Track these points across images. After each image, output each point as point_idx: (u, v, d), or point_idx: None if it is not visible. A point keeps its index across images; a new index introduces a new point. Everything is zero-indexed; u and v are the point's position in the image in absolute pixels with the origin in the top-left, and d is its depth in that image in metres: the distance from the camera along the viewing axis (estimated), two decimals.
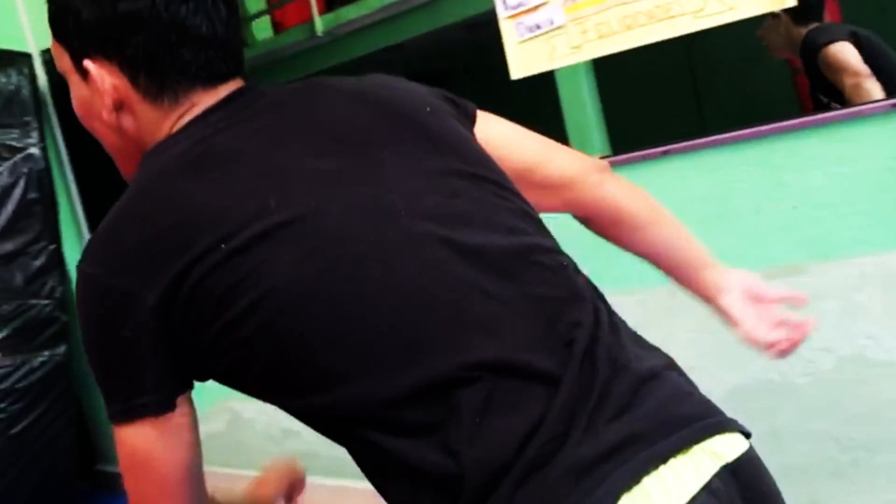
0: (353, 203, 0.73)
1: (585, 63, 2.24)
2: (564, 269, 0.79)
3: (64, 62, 0.84)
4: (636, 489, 0.65)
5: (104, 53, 0.79)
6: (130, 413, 0.73)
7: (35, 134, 3.02)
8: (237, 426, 3.00)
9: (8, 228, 2.90)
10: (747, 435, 0.75)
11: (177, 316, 0.70)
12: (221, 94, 0.81)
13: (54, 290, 3.01)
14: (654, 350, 0.80)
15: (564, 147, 1.01)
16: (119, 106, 0.81)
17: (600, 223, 1.01)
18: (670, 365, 0.78)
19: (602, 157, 2.03)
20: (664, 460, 0.67)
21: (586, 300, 0.76)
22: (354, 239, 0.71)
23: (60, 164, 3.21)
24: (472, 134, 0.87)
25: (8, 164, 2.92)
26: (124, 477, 0.77)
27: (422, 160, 0.78)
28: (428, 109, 0.83)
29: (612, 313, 0.79)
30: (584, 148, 2.28)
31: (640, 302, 2.01)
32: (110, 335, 0.73)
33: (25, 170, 2.96)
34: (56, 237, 3.04)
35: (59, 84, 3.25)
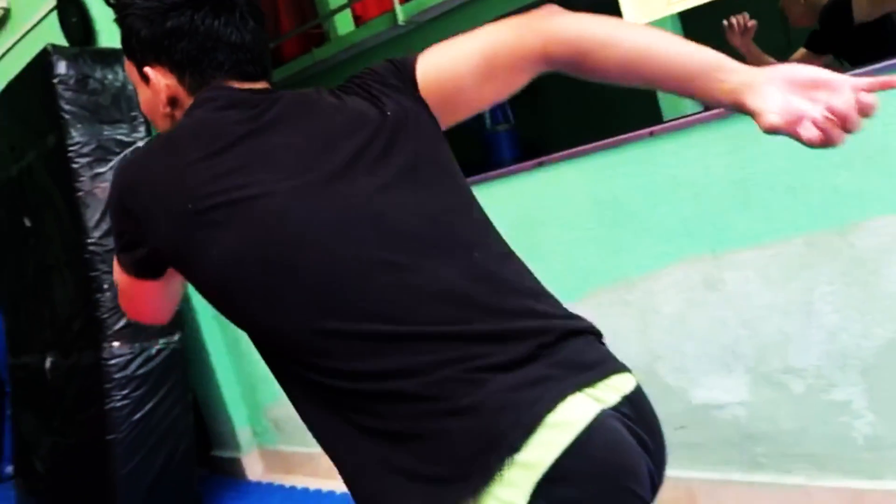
0: (302, 191, 0.91)
1: (672, 16, 2.17)
2: (482, 247, 0.95)
3: (133, 74, 1.07)
4: (558, 407, 0.82)
5: (158, 60, 1.02)
6: (124, 269, 1.06)
7: (142, 128, 3.10)
8: None
9: None
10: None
11: (151, 240, 0.95)
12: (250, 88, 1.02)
13: None
14: (572, 314, 0.99)
15: (500, 24, 1.00)
16: (172, 102, 1.04)
17: (576, 63, 0.96)
18: (588, 327, 0.98)
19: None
20: (579, 389, 0.85)
21: (506, 273, 0.95)
22: (293, 217, 0.90)
23: None
24: (415, 89, 1.01)
25: (118, 158, 3.02)
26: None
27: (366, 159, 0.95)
28: (388, 114, 0.98)
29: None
30: (679, 110, 2.20)
31: (774, 256, 1.89)
32: (117, 226, 1.01)
33: None
34: None
35: None
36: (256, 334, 0.94)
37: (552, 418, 0.81)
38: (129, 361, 2.95)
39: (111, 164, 3.00)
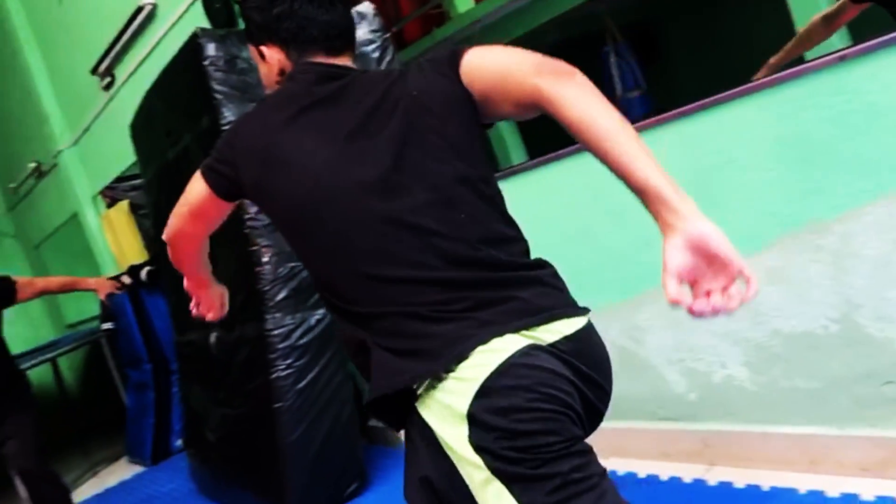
0: (334, 159, 1.18)
1: None
2: (472, 205, 1.17)
3: (254, 53, 1.37)
4: (492, 341, 1.06)
5: (270, 40, 1.32)
6: (203, 175, 1.33)
7: None
8: None
9: None
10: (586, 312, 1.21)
11: (240, 169, 1.26)
12: (336, 61, 1.30)
13: None
14: (540, 262, 1.23)
15: (533, 55, 1.13)
16: (281, 73, 1.32)
17: (563, 122, 1.09)
18: (551, 272, 1.22)
19: None
20: (516, 331, 1.08)
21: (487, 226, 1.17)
22: (323, 182, 1.17)
23: None
24: (459, 78, 1.18)
25: None
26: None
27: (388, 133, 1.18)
28: (414, 93, 1.19)
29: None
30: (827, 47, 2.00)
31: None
32: (217, 151, 1.32)
33: None
34: None
35: None
36: (308, 270, 1.28)
37: (483, 348, 1.06)
38: (291, 332, 3.01)
39: None
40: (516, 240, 1.23)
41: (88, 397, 7.06)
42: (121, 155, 4.92)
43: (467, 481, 1.06)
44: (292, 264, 3.06)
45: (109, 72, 4.80)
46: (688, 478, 2.34)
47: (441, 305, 1.09)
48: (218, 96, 3.04)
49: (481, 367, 1.04)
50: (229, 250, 3.21)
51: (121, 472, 4.92)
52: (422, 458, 1.13)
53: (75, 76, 5.22)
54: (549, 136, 2.68)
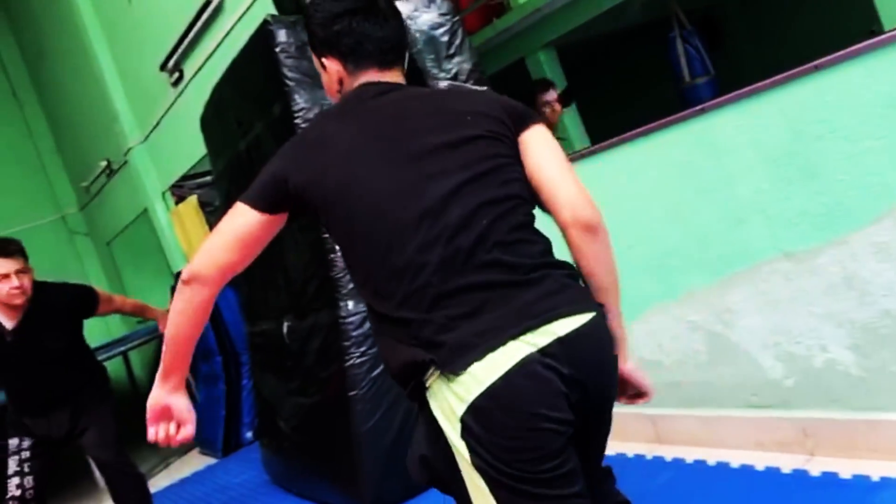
0: (376, 168, 1.30)
1: None
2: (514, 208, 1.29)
3: (317, 63, 1.49)
4: (486, 357, 1.17)
5: (330, 52, 1.44)
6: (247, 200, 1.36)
7: None
8: None
9: None
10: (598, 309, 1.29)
11: (298, 177, 1.33)
12: (387, 75, 1.43)
13: None
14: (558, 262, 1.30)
15: (572, 185, 1.35)
16: (340, 82, 1.45)
17: (577, 264, 1.35)
18: (555, 274, 1.27)
19: None
20: (513, 338, 1.18)
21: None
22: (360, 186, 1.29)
23: None
24: (515, 133, 1.38)
25: None
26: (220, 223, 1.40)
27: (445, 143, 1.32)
28: (468, 118, 1.35)
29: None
30: None
31: None
32: (272, 166, 1.38)
33: None
34: None
35: None
36: (352, 274, 1.37)
37: (476, 366, 1.17)
38: (365, 319, 2.98)
39: None
40: (532, 242, 1.30)
41: None
42: (189, 150, 4.98)
43: (459, 464, 1.25)
44: None
45: (178, 67, 4.86)
46: (787, 468, 2.21)
47: (454, 309, 1.22)
48: (289, 83, 3.03)
49: (476, 384, 1.18)
50: (302, 238, 3.19)
51: (193, 463, 4.98)
52: (423, 438, 1.36)
53: (144, 74, 5.31)
54: (611, 124, 2.60)
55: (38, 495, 3.10)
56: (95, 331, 6.94)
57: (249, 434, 4.85)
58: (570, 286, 1.28)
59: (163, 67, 4.94)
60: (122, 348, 5.81)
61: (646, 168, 2.46)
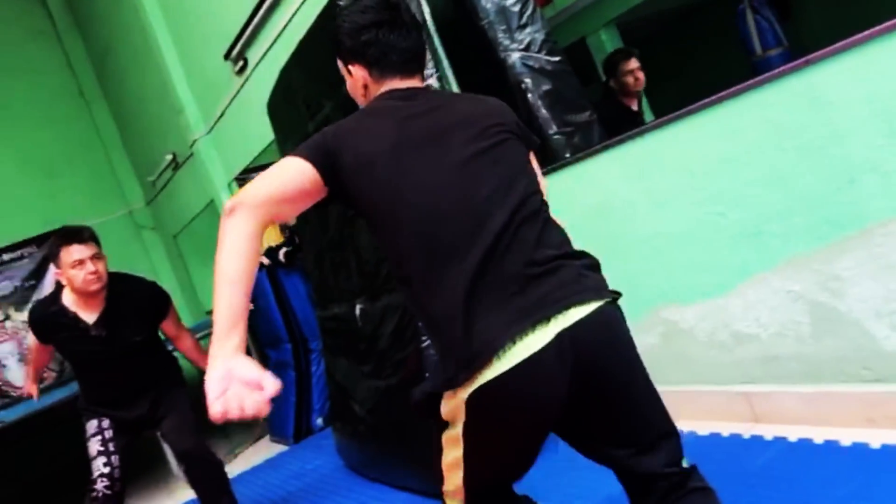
0: (410, 161, 1.41)
1: None
2: (539, 211, 1.45)
3: (343, 69, 1.61)
4: (512, 346, 1.27)
5: (356, 60, 1.55)
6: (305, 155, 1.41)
7: (431, 64, 3.04)
8: (674, 337, 2.74)
9: None
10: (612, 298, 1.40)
11: (335, 161, 1.41)
12: (409, 82, 1.55)
13: None
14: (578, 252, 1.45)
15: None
16: (365, 87, 1.57)
17: None
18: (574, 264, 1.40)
19: None
20: (532, 327, 1.28)
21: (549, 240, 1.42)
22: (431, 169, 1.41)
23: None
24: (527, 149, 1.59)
25: None
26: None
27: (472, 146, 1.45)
28: (493, 123, 1.51)
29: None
30: None
31: None
32: (317, 139, 1.44)
33: None
34: None
35: (440, 18, 3.27)
36: (395, 269, 1.45)
37: (495, 363, 1.26)
38: None
39: None
40: (552, 235, 1.44)
41: None
42: (255, 139, 4.99)
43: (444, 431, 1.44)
44: None
45: (242, 56, 4.86)
46: None
47: (480, 300, 1.32)
48: None
49: (484, 376, 1.28)
50: None
51: (264, 451, 5.00)
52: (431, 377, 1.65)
53: (208, 64, 5.34)
54: (677, 105, 2.47)
55: (124, 474, 3.11)
56: None
57: (320, 420, 4.84)
58: (586, 276, 1.38)
59: (227, 57, 4.95)
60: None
61: (739, 130, 2.32)
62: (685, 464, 1.43)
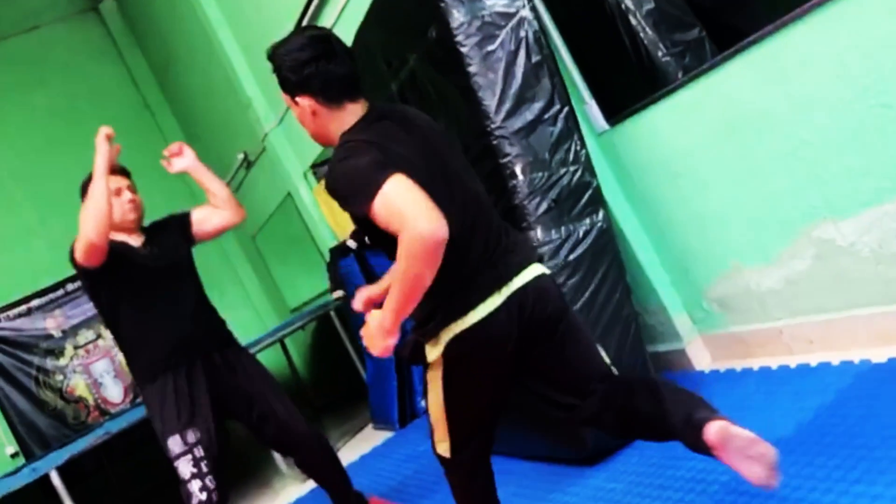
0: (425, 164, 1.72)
1: None
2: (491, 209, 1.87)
3: (288, 100, 1.87)
4: (478, 307, 1.71)
5: (303, 92, 1.81)
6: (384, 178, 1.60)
7: None
8: (829, 258, 2.43)
9: (522, 97, 2.72)
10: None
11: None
12: (359, 105, 1.83)
13: (579, 155, 2.77)
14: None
15: None
16: (314, 113, 1.83)
17: None
18: (521, 240, 1.89)
19: None
20: (497, 289, 1.73)
21: (499, 225, 1.83)
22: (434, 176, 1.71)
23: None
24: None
25: (506, 30, 2.74)
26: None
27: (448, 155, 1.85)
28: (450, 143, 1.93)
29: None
30: None
31: None
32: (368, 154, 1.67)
33: (522, 34, 2.76)
34: (566, 98, 2.80)
35: None
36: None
37: (470, 315, 1.71)
38: (559, 247, 2.67)
39: (499, 39, 2.73)
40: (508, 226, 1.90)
41: (320, 377, 7.20)
42: None
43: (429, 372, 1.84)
44: (548, 172, 2.72)
45: None
46: None
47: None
48: (443, 2, 2.75)
49: (462, 327, 1.71)
50: (475, 172, 2.91)
51: (370, 439, 4.83)
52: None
53: None
54: None
55: (223, 494, 2.80)
56: (251, 326, 7.02)
57: (424, 402, 4.64)
58: (526, 247, 1.90)
59: None
60: (279, 335, 5.76)
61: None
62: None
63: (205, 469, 2.76)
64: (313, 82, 1.76)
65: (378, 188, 1.52)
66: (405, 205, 1.50)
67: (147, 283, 2.84)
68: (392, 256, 1.60)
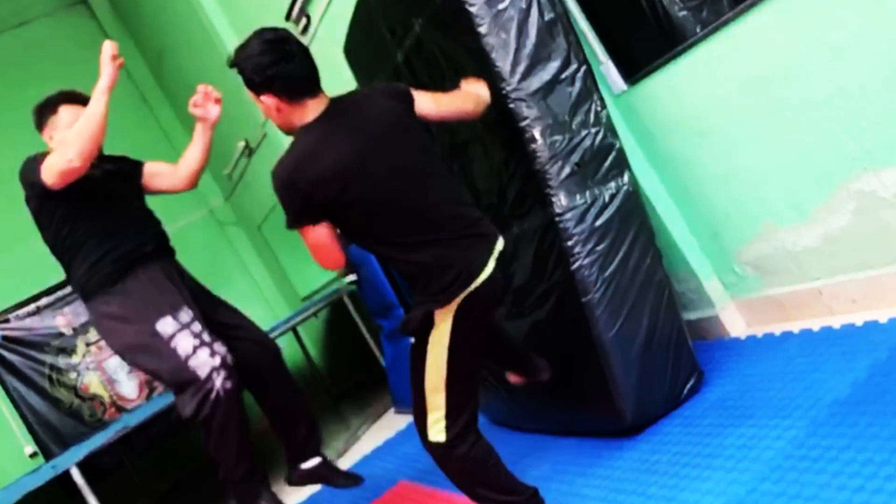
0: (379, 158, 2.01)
1: None
2: (456, 186, 2.18)
3: (254, 97, 2.05)
4: (483, 270, 2.03)
5: (267, 91, 2.00)
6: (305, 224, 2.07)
7: None
8: (871, 212, 2.30)
9: (537, 57, 2.59)
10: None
11: (321, 204, 2.00)
12: (319, 101, 2.04)
13: (600, 116, 2.64)
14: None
15: (463, 93, 2.39)
16: (278, 110, 2.02)
17: None
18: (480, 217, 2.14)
19: None
20: (490, 255, 2.06)
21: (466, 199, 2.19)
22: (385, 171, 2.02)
23: None
24: (412, 110, 2.16)
25: None
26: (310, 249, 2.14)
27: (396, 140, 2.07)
28: (403, 123, 2.12)
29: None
30: None
31: None
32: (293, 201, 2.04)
33: None
34: (583, 57, 2.66)
35: None
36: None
37: (476, 278, 1.99)
38: (585, 212, 2.55)
39: None
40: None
41: (336, 364, 7.11)
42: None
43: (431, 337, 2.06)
44: (569, 135, 2.59)
45: (304, 13, 4.57)
46: None
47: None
48: None
49: (475, 285, 2.00)
50: (490, 139, 2.79)
51: (392, 424, 4.74)
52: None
53: None
54: None
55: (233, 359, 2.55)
56: (263, 316, 6.91)
57: (412, 385, 4.53)
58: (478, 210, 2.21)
59: (288, 18, 4.66)
60: (291, 323, 5.66)
61: None
62: None
63: (207, 339, 2.52)
64: (276, 83, 1.96)
65: (299, 227, 2.05)
66: (314, 249, 2.11)
67: (103, 193, 2.69)
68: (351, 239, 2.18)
